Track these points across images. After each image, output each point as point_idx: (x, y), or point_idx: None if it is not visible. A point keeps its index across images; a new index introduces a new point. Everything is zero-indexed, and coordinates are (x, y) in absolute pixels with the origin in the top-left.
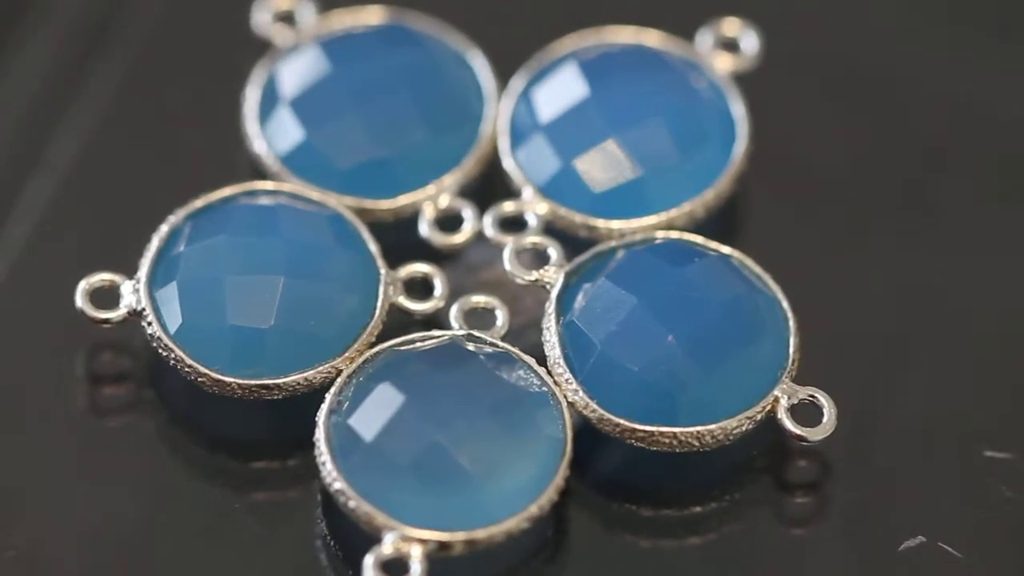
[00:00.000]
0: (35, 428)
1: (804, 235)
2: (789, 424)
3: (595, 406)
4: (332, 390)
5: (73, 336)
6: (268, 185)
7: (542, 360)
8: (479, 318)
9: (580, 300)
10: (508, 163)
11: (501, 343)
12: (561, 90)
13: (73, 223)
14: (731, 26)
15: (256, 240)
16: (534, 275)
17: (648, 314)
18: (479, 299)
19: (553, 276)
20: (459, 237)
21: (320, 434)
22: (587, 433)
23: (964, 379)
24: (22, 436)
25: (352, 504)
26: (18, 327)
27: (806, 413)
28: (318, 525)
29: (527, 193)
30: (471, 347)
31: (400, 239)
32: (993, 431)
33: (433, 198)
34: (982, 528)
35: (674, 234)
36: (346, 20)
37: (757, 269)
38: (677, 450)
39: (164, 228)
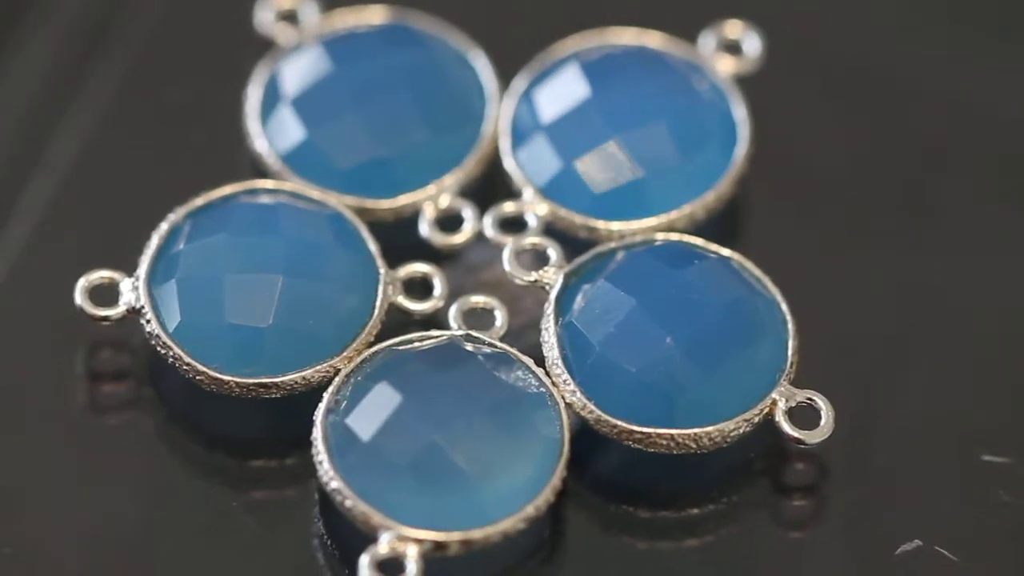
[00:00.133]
0: (33, 425)
1: (804, 237)
2: (787, 427)
3: (593, 407)
4: (330, 389)
5: (73, 335)
6: (268, 184)
7: (540, 361)
8: (478, 318)
9: (579, 301)
10: (509, 163)
11: (500, 343)
12: (563, 91)
13: (73, 223)
14: (733, 28)
15: (256, 239)
16: (533, 276)
17: (647, 316)
18: (478, 299)
19: (552, 277)
20: (459, 237)
21: (317, 433)
22: (585, 434)
23: (963, 382)
24: (21, 433)
25: (348, 503)
26: (18, 327)
27: (804, 416)
28: (315, 524)
29: (527, 194)
30: (469, 347)
31: (400, 239)
32: (991, 435)
33: (433, 198)
34: (979, 532)
35: (674, 236)
36: (349, 19)
37: (757, 271)
38: (674, 452)
39: (164, 226)
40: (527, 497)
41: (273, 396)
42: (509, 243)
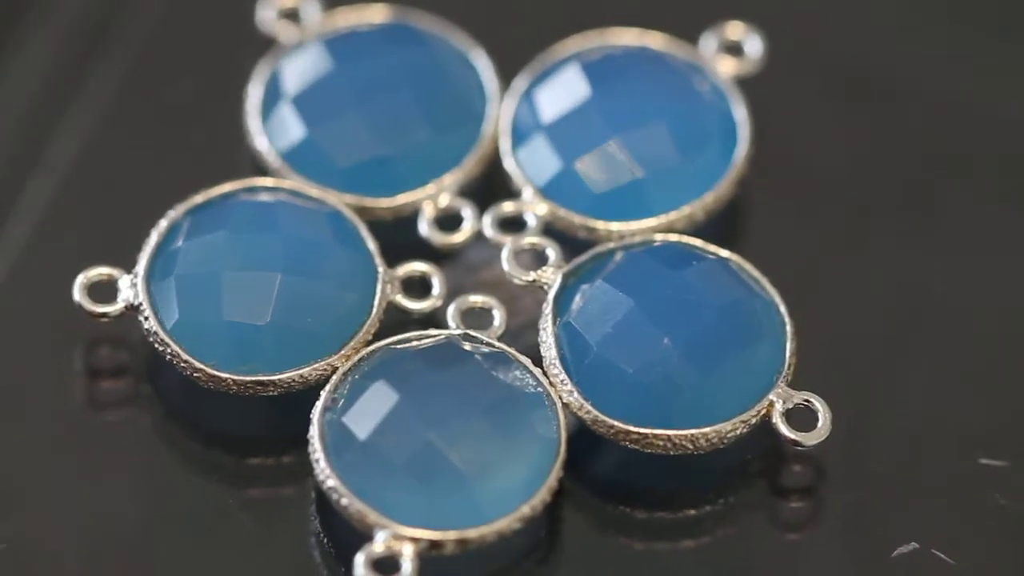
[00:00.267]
0: (32, 421)
1: (803, 238)
2: (784, 429)
3: (589, 407)
4: (327, 387)
5: (72, 335)
6: (268, 182)
7: (538, 361)
8: (476, 318)
9: (577, 301)
10: (509, 163)
11: (497, 343)
12: (563, 91)
13: (73, 223)
14: (735, 30)
15: (255, 236)
16: (532, 275)
17: (645, 316)
18: (476, 299)
19: (551, 277)
20: (458, 236)
21: (314, 431)
22: (582, 434)
23: (961, 385)
24: (19, 428)
25: (344, 502)
26: (18, 325)
27: (801, 418)
28: (312, 522)
29: (527, 193)
30: (467, 347)
31: (399, 238)
32: (989, 438)
33: (433, 197)
34: (976, 535)
35: (673, 237)
36: (350, 18)
37: (755, 273)
38: (671, 453)
39: (163, 223)
40: (523, 497)
41: (271, 394)
42: (508, 243)
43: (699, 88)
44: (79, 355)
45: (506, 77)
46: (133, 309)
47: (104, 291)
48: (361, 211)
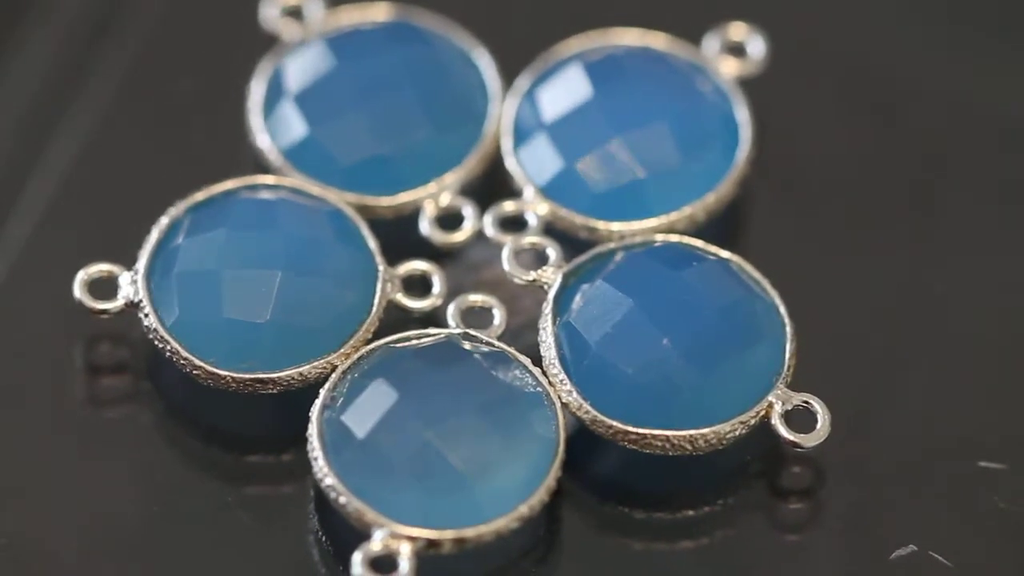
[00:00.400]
0: (32, 417)
1: (804, 240)
2: (783, 430)
3: (588, 407)
4: (326, 386)
5: (72, 334)
6: (269, 179)
7: (538, 360)
8: (476, 317)
9: (577, 301)
10: (510, 163)
11: (497, 342)
12: (565, 91)
13: (73, 223)
14: (737, 31)
15: (255, 234)
16: (532, 275)
17: (644, 317)
18: (476, 298)
19: (551, 276)
20: (459, 236)
21: (313, 429)
22: (581, 434)
23: (961, 387)
24: (19, 425)
25: (343, 500)
26: (18, 324)
27: (800, 419)
28: (311, 520)
29: (528, 193)
30: (467, 346)
31: (400, 236)
32: (988, 441)
33: (434, 196)
34: (974, 538)
35: (674, 237)
36: (354, 16)
37: (756, 274)
38: (670, 453)
39: (164, 220)
40: (521, 496)
41: (270, 392)
42: (508, 242)
43: (701, 88)
44: (79, 352)
45: (508, 76)
46: (133, 306)
47: (104, 288)
48: (362, 209)
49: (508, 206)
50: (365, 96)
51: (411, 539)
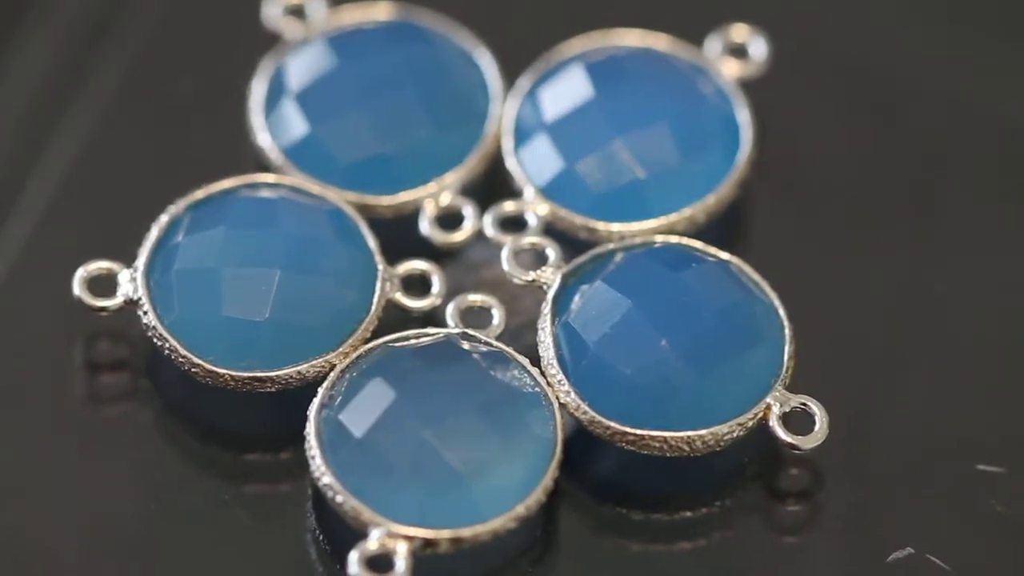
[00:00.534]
0: (31, 414)
1: (805, 241)
2: (781, 432)
3: (586, 408)
4: (324, 385)
5: (72, 334)
6: (270, 178)
7: (537, 361)
8: (476, 317)
9: (576, 302)
10: (511, 162)
11: (496, 342)
12: (567, 91)
13: (73, 223)
14: (739, 32)
15: (255, 232)
16: (531, 275)
17: (643, 318)
18: (475, 298)
19: (550, 277)
20: (459, 235)
21: (311, 428)
22: (580, 435)
23: (960, 390)
24: (18, 422)
25: (340, 499)
26: (18, 326)
27: (799, 421)
28: (308, 519)
29: (528, 193)
30: (466, 346)
31: (400, 236)
32: (986, 444)
33: (434, 195)
34: (972, 541)
35: (673, 239)
36: (356, 15)
37: (755, 276)
38: (668, 454)
39: (164, 218)
40: (518, 496)
41: (268, 390)
42: (508, 242)
43: (702, 90)
44: (78, 349)
45: (510, 76)
46: (132, 304)
47: (104, 285)
48: (362, 208)
49: (508, 206)
50: (366, 95)
51: (408, 538)
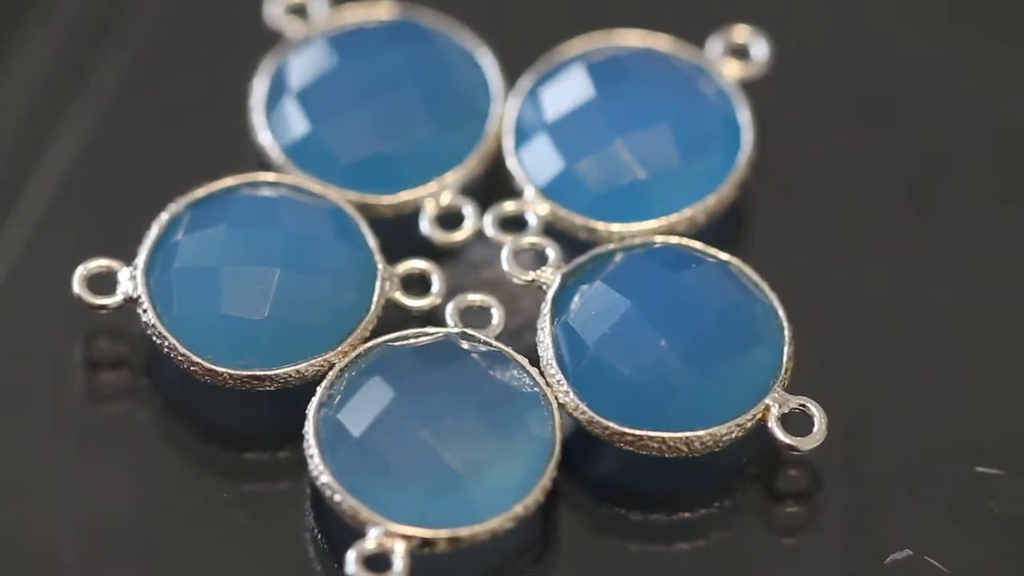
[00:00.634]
0: (30, 412)
1: (805, 242)
2: (779, 433)
3: (585, 408)
4: (323, 383)
5: (72, 334)
6: (270, 177)
7: (536, 360)
8: (475, 316)
9: (576, 302)
10: (511, 162)
11: (495, 342)
12: (568, 91)
13: (73, 223)
14: (741, 33)
15: (255, 231)
16: (531, 275)
17: (642, 318)
18: (475, 297)
19: (550, 277)
20: (459, 235)
21: (309, 427)
22: (579, 435)
23: (959, 392)
24: (18, 420)
25: (337, 498)
26: (18, 326)
27: (797, 422)
28: (306, 518)
29: (528, 193)
30: (465, 345)
31: (400, 235)
32: (985, 446)
33: (435, 195)
34: (970, 543)
35: (673, 239)
36: (358, 14)
37: (755, 276)
38: (666, 455)
39: (164, 216)
40: (517, 496)
41: (267, 389)
42: (508, 242)
43: (703, 90)
44: (78, 347)
45: (511, 76)
46: (132, 302)
47: (104, 283)
48: (363, 208)
49: (508, 206)
50: (367, 94)
51: (405, 538)
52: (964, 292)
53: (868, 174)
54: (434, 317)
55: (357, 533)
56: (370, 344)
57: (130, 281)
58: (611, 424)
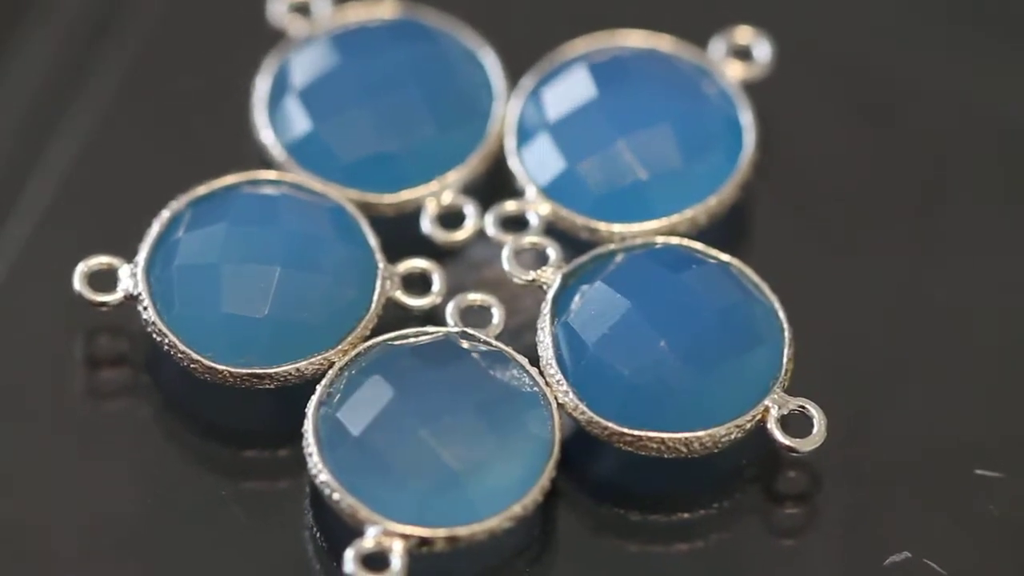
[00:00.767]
0: (30, 410)
1: (805, 243)
2: (779, 434)
3: (584, 408)
4: (323, 382)
5: (72, 334)
6: (271, 175)
7: (536, 360)
8: (475, 316)
9: (576, 302)
10: (513, 162)
11: (495, 342)
12: (570, 91)
13: (73, 223)
14: (744, 34)
15: (255, 229)
16: (531, 275)
17: (642, 318)
18: (475, 297)
19: (550, 277)
20: (460, 234)
21: (308, 426)
22: (578, 435)
23: (959, 394)
24: (18, 417)
25: (336, 497)
26: (18, 326)
27: (797, 424)
28: (305, 516)
29: (530, 193)
30: (465, 345)
31: (401, 234)
32: (985, 449)
33: (436, 194)
34: (969, 546)
35: (674, 240)
36: (360, 13)
37: (755, 277)
38: (665, 456)
39: (166, 214)
40: (515, 496)
41: (267, 387)
42: (509, 242)
43: (705, 91)
44: (78, 345)
45: (513, 76)
46: (132, 299)
47: (104, 280)
48: (364, 207)
49: (510, 205)
50: (369, 93)
51: (404, 537)
52: (964, 292)
53: (868, 174)
54: (434, 316)
55: (356, 532)
56: (370, 343)
57: (131, 278)
58: (610, 424)
